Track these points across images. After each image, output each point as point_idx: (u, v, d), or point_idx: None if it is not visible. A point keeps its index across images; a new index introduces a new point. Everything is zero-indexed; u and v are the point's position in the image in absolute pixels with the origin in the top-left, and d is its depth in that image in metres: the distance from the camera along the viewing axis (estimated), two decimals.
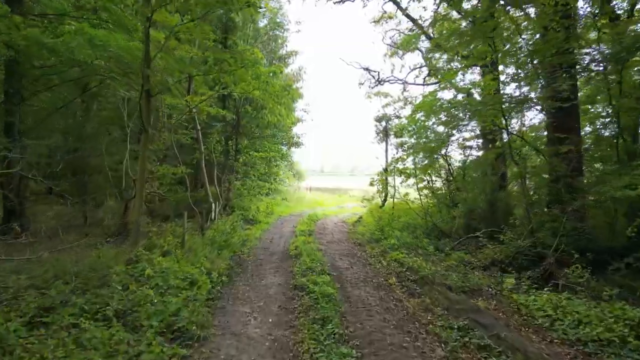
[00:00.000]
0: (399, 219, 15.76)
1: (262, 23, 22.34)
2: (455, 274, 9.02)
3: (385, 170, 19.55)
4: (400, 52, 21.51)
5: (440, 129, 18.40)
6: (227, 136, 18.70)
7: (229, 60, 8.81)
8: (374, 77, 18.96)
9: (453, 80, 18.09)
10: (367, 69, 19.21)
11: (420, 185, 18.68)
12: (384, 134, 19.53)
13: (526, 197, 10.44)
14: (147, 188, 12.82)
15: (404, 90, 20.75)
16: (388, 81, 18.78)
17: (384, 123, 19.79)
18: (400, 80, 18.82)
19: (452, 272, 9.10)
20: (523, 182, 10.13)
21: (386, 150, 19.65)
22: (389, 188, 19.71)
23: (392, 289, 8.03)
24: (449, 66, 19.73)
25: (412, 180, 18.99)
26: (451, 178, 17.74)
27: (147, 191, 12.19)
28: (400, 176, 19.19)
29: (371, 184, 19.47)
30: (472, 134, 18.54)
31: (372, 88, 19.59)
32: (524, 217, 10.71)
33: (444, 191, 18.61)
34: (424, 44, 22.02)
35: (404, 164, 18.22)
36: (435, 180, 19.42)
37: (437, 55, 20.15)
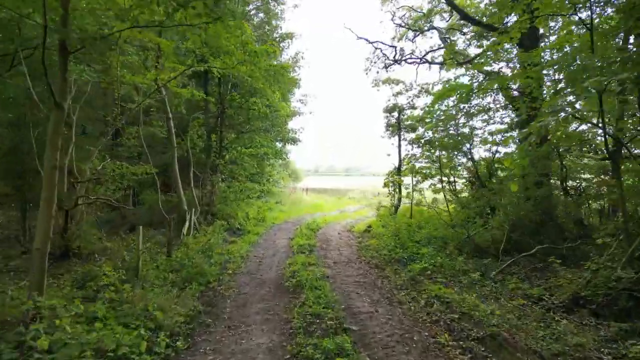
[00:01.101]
0: (421, 230, 12.73)
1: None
2: (535, 322, 6.02)
3: (399, 170, 16.55)
4: (411, 35, 18.51)
5: (463, 119, 15.50)
6: (209, 129, 15.57)
7: (196, 3, 5.74)
8: (387, 55, 15.95)
9: (479, 63, 15.20)
10: (377, 47, 16.11)
11: (439, 186, 15.74)
12: (396, 128, 16.55)
13: (622, 204, 7.43)
14: (92, 192, 9.68)
15: (415, 79, 17.72)
16: (405, 60, 15.76)
17: (395, 114, 16.81)
18: (421, 59, 15.75)
19: (528, 320, 6.09)
20: (618, 185, 7.16)
21: (399, 146, 16.72)
22: (402, 190, 16.69)
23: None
24: (469, 45, 16.80)
25: (427, 183, 16.07)
26: (477, 180, 14.76)
27: (89, 197, 9.04)
28: (416, 176, 16.22)
29: (385, 185, 16.45)
30: (505, 125, 15.62)
31: (385, 69, 16.52)
32: (616, 234, 7.73)
33: (467, 194, 15.68)
34: (441, 23, 19.06)
35: (420, 162, 15.19)
36: (455, 182, 16.47)
37: (458, 35, 17.21)
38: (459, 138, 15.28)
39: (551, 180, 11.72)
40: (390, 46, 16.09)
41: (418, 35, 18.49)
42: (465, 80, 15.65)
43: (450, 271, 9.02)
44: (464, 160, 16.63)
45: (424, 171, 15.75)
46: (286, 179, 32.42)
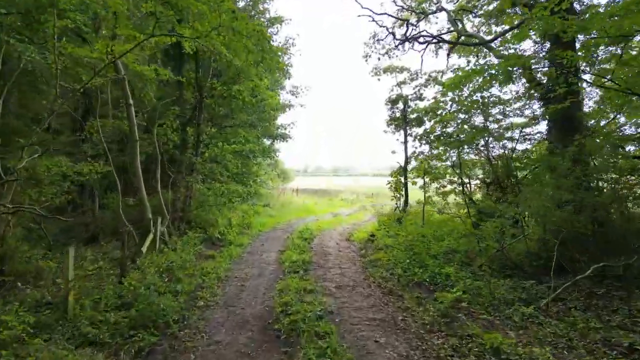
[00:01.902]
0: (439, 242, 10.63)
1: None
2: None
3: (405, 169, 14.44)
4: (414, 19, 16.43)
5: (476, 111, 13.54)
6: (185, 121, 13.23)
7: None
8: (394, 34, 13.77)
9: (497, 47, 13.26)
10: (382, 24, 13.90)
11: (448, 187, 13.80)
12: (402, 121, 14.44)
13: None
14: (24, 197, 7.30)
15: (420, 68, 15.61)
16: (416, 39, 13.59)
17: (400, 106, 14.70)
18: (435, 37, 13.55)
19: None
20: None
21: (405, 143, 14.56)
22: (402, 192, 14.59)
23: None
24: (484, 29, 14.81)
25: (425, 184, 14.06)
26: (497, 181, 12.79)
27: (6, 205, 6.67)
28: (423, 177, 14.18)
29: (395, 188, 14.35)
30: (524, 118, 13.65)
31: (387, 54, 14.35)
32: None
33: (482, 197, 13.71)
34: (449, 5, 17.05)
35: (427, 160, 13.15)
36: (469, 183, 14.48)
37: (470, 17, 15.20)
38: (474, 131, 13.30)
39: (599, 183, 9.73)
40: (398, 19, 13.90)
41: (423, 19, 16.44)
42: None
43: (490, 300, 6.92)
44: (476, 158, 14.66)
45: (433, 171, 13.72)
46: (275, 179, 30.14)
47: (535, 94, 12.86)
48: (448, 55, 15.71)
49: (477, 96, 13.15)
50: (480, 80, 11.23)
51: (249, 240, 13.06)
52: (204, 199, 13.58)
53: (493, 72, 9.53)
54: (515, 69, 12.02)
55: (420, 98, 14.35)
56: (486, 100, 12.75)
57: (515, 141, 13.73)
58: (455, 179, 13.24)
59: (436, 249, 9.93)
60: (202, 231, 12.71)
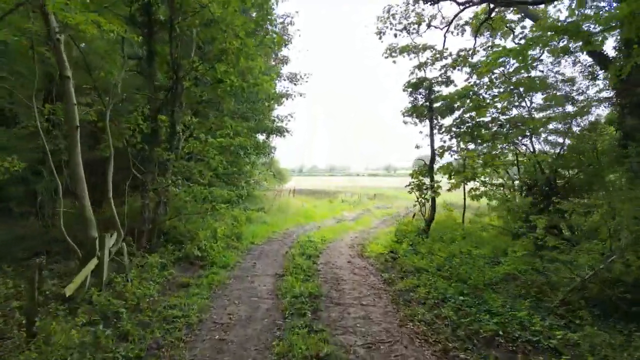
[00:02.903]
0: (494, 266, 7.95)
1: None
2: None
3: (430, 167, 11.75)
4: None
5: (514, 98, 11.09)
6: (158, 106, 10.46)
7: None
8: None
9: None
10: None
11: (479, 189, 11.30)
12: (426, 110, 11.69)
13: None
14: None
15: (444, 47, 12.97)
16: None
17: (422, 91, 11.97)
18: None
19: None
20: None
21: (431, 135, 11.80)
22: (428, 195, 11.89)
23: None
24: None
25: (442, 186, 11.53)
26: (548, 184, 10.27)
27: None
28: (450, 177, 11.61)
29: (418, 191, 11.69)
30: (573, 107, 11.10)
31: (406, 30, 11.71)
32: None
33: (517, 200, 11.20)
34: None
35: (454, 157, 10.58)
36: (503, 185, 11.95)
37: None
38: (508, 125, 10.80)
39: None
40: None
41: None
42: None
43: None
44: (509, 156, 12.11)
45: (466, 169, 11.12)
46: (270, 180, 27.38)
47: (599, 73, 10.27)
48: (477, 32, 13.08)
49: (518, 76, 10.60)
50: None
51: (237, 258, 10.31)
52: (183, 206, 10.82)
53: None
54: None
55: (448, 82, 11.69)
56: (540, 80, 10.17)
57: (565, 135, 11.20)
58: (498, 180, 10.66)
59: (491, 275, 7.26)
60: (178, 247, 9.98)
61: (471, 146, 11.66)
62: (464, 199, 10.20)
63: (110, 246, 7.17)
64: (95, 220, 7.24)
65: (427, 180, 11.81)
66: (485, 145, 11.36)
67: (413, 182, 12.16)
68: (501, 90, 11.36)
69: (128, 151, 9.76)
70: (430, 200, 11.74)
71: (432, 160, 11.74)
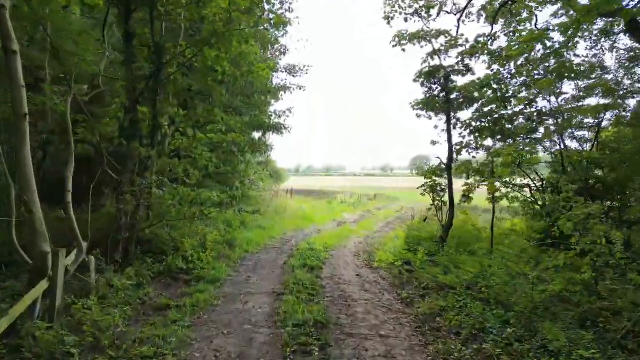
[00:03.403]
0: (539, 285, 6.62)
1: None
2: None
3: (448, 166, 10.42)
4: None
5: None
6: (136, 96, 9.06)
7: None
8: None
9: None
10: None
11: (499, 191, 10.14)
12: (443, 101, 10.32)
13: None
14: None
15: (458, 33, 11.68)
16: None
17: (435, 81, 10.60)
18: None
19: None
20: None
21: (448, 130, 10.36)
22: (452, 199, 10.53)
23: None
24: None
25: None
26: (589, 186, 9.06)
27: None
28: (468, 177, 10.39)
29: (432, 193, 10.40)
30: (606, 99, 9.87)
31: (418, 15, 10.43)
32: None
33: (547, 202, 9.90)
34: None
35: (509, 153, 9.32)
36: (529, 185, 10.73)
37: None
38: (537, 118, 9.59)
39: None
40: None
41: None
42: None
43: None
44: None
45: (486, 168, 9.87)
46: (267, 180, 26.00)
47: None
48: (494, 18, 11.78)
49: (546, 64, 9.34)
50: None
51: (229, 270, 8.95)
52: (167, 210, 9.44)
53: None
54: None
55: (467, 70, 10.37)
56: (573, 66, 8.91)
57: (598, 129, 9.97)
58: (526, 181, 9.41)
59: (538, 298, 5.96)
60: (159, 258, 8.63)
61: (488, 142, 10.40)
62: (493, 202, 8.88)
63: (69, 263, 5.80)
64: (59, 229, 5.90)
65: (443, 181, 10.47)
66: (508, 141, 10.07)
67: (427, 183, 10.83)
68: (526, 80, 10.09)
69: (101, 147, 8.38)
70: (448, 204, 10.39)
71: (450, 158, 10.41)
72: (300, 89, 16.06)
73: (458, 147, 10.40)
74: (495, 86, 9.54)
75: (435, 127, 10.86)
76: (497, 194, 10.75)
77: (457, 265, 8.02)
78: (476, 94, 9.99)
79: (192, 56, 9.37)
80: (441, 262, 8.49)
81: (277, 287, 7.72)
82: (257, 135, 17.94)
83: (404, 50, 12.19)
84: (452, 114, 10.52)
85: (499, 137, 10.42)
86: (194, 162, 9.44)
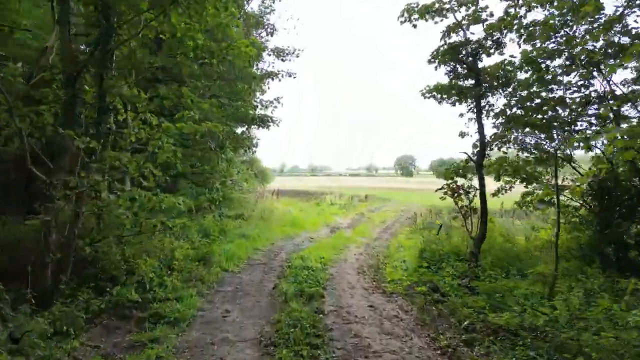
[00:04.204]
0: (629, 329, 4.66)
1: None
2: None
3: (479, 164, 8.36)
4: None
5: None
6: (77, 69, 6.75)
7: None
8: None
9: None
10: None
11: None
12: (473, 85, 8.22)
13: None
14: None
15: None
16: None
17: (466, 59, 8.50)
18: None
19: None
20: None
21: (478, 119, 8.25)
22: (484, 205, 8.46)
23: None
24: None
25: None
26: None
27: None
28: (497, 179, 8.49)
29: (452, 196, 8.39)
30: None
31: None
32: None
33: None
34: None
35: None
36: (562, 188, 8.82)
37: None
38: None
39: None
40: None
41: None
42: None
43: None
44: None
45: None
46: (251, 180, 23.74)
47: None
48: None
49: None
50: None
51: (200, 302, 6.75)
52: (119, 221, 7.16)
53: None
54: None
55: (497, 47, 8.37)
56: None
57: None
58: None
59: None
60: (106, 287, 6.39)
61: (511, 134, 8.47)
62: (558, 209, 6.90)
63: None
64: None
65: (473, 183, 8.45)
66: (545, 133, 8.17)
67: (447, 185, 8.83)
68: (565, 62, 8.16)
69: (24, 137, 6.07)
70: (478, 212, 8.35)
71: (482, 153, 8.37)
72: (290, 75, 13.90)
73: (492, 138, 8.36)
74: (543, 63, 7.56)
75: (461, 115, 8.87)
76: (529, 198, 8.87)
77: (505, 295, 6.03)
78: (515, 74, 7.99)
79: (152, 19, 7.13)
80: (481, 290, 6.48)
81: (265, 330, 5.57)
82: (240, 129, 15.72)
83: (414, 26, 10.17)
84: (483, 100, 8.51)
85: (526, 129, 8.48)
86: (148, 157, 7.17)
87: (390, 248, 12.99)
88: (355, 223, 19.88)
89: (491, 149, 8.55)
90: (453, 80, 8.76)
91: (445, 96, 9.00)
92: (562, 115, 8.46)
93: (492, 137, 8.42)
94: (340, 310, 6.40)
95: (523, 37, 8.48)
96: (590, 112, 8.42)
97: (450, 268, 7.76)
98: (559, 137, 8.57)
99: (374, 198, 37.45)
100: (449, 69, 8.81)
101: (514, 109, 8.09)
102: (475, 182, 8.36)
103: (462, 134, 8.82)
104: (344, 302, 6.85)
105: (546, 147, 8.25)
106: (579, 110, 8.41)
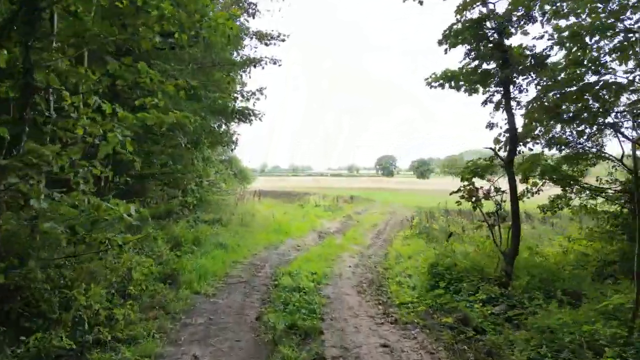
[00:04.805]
0: None
1: None
2: None
3: (509, 162, 6.86)
4: None
5: None
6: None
7: None
8: None
9: None
10: None
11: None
12: (501, 67, 6.76)
13: None
14: None
15: None
16: None
17: (491, 35, 7.08)
18: None
19: None
20: None
21: (507, 106, 6.67)
22: (516, 213, 6.98)
23: None
24: None
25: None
26: None
27: None
28: (525, 180, 7.17)
29: (470, 200, 6.95)
30: None
31: None
32: None
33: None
34: None
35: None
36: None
37: None
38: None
39: None
40: None
41: None
42: None
43: None
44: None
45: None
46: (230, 181, 21.95)
47: None
48: None
49: None
50: None
51: (159, 345, 5.09)
52: (52, 238, 5.42)
53: None
54: None
55: (529, 19, 6.96)
56: None
57: None
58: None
59: None
60: (26, 329, 4.67)
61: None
62: None
63: None
64: None
65: (501, 184, 7.01)
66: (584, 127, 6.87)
67: (463, 186, 7.41)
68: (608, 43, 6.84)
69: None
70: (510, 221, 6.90)
71: (513, 149, 6.89)
72: (274, 63, 12.28)
73: (525, 129, 6.90)
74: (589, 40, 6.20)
75: (485, 103, 7.42)
76: (560, 202, 7.57)
77: (563, 333, 4.62)
78: (548, 55, 6.60)
79: None
80: (530, 324, 5.02)
81: None
82: (218, 125, 13.98)
83: (421, 3, 8.73)
84: (512, 86, 7.09)
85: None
86: (79, 149, 5.44)
87: (388, 258, 11.57)
88: (344, 227, 18.43)
89: (525, 144, 7.15)
90: (474, 62, 7.31)
91: (462, 82, 7.56)
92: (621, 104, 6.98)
93: (523, 128, 6.98)
94: (346, 355, 4.86)
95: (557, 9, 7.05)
96: None
97: (473, 288, 6.34)
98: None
99: (359, 199, 36.16)
100: (469, 47, 7.38)
101: (550, 95, 6.65)
102: (504, 184, 6.94)
103: (490, 125, 7.38)
104: (349, 340, 5.32)
105: (585, 142, 6.94)
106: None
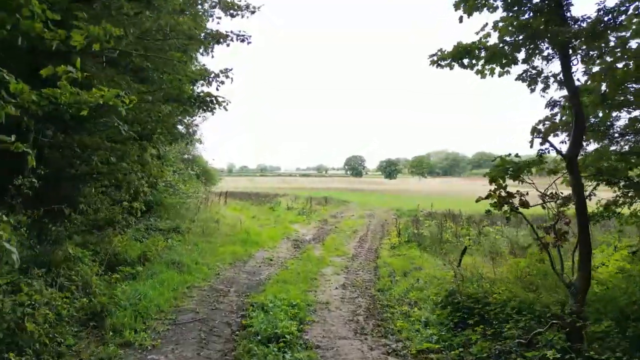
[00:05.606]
0: None
1: None
2: None
3: (573, 157, 4.99)
4: None
5: None
6: None
7: None
8: None
9: None
10: None
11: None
12: (559, 24, 5.10)
13: None
14: None
15: None
16: None
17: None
18: None
19: None
20: None
21: (567, 80, 4.92)
22: (587, 233, 5.21)
23: None
24: None
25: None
26: None
27: None
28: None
29: (503, 206, 5.07)
30: None
31: None
32: None
33: None
34: None
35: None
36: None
37: None
38: None
39: None
40: None
41: None
42: None
43: None
44: None
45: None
46: (192, 182, 19.36)
47: None
48: None
49: None
50: None
51: None
52: None
53: None
54: None
55: None
56: None
57: None
58: None
59: None
60: None
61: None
62: None
63: None
64: None
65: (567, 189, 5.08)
66: None
67: (492, 190, 5.57)
68: None
69: None
70: (577, 235, 4.98)
71: (579, 141, 4.89)
72: (243, 40, 10.07)
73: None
74: None
75: (525, 77, 5.40)
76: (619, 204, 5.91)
77: None
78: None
79: None
80: None
81: None
82: (174, 114, 11.58)
83: None
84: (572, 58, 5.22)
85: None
86: None
87: (379, 274, 9.68)
88: (321, 234, 16.43)
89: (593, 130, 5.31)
90: (520, 17, 5.31)
91: (484, 55, 5.70)
92: None
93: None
94: None
95: None
96: None
97: (522, 333, 4.49)
98: None
99: (332, 200, 34.29)
100: (506, 13, 5.50)
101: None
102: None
103: (552, 104, 5.49)
104: None
105: None
106: None
